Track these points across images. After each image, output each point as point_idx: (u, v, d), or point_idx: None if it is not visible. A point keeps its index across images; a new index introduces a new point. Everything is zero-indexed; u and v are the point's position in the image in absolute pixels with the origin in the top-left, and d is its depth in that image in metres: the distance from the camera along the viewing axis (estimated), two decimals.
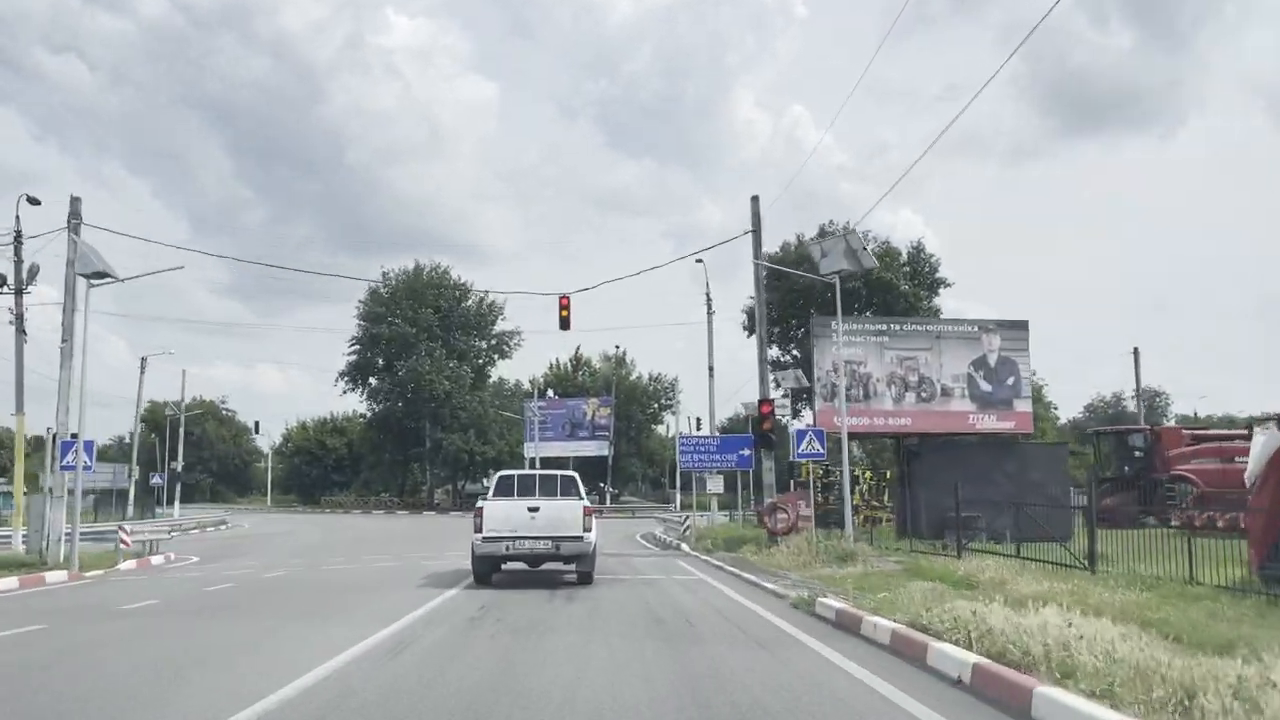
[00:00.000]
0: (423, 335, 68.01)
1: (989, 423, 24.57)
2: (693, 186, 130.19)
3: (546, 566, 15.00)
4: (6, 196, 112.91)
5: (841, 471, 20.63)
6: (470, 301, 72.25)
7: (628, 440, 73.18)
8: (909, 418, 24.40)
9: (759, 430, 21.22)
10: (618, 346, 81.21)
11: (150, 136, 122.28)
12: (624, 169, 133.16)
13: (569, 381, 73.91)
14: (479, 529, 14.01)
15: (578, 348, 77.44)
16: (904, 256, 63.23)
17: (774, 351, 67.56)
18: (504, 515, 14.01)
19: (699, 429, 70.18)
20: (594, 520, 14.33)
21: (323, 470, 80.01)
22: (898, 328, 24.66)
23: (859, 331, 24.40)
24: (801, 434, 20.89)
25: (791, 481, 31.62)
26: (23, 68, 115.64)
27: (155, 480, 52.01)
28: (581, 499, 14.74)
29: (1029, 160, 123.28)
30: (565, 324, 21.44)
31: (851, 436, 23.41)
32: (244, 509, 78.69)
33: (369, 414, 74.44)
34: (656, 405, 75.27)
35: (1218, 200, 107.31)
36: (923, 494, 24.02)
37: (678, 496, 63.56)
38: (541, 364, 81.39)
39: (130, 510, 47.33)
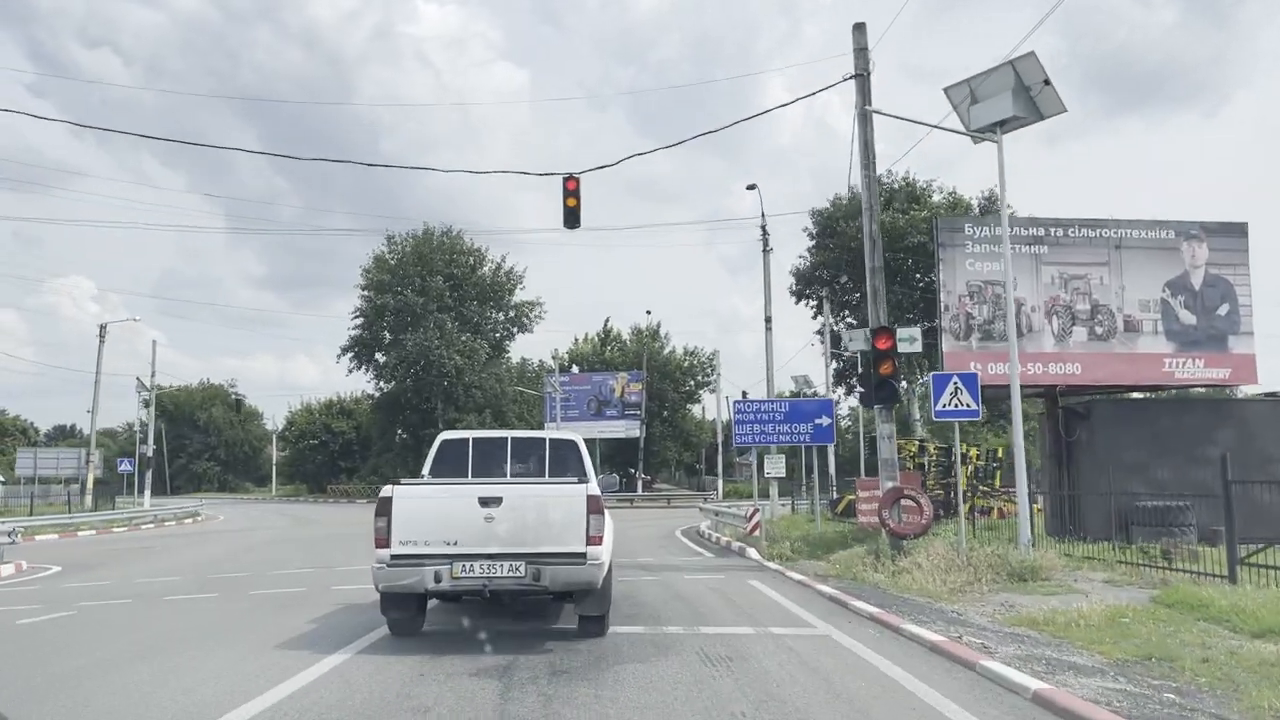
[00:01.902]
0: (432, 306, 60.93)
1: (1193, 370, 16.91)
2: (724, 173, 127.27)
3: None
4: (54, 193, 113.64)
5: (1014, 441, 13.19)
6: (486, 269, 65.12)
7: (661, 421, 65.76)
8: (1078, 363, 16.79)
9: (875, 377, 13.70)
10: (649, 312, 73.78)
11: (186, 129, 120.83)
12: (655, 156, 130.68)
13: (597, 357, 66.56)
14: (384, 539, 7.47)
15: (606, 320, 70.12)
16: (975, 210, 55.40)
17: (822, 320, 60.04)
18: (434, 514, 7.57)
19: (732, 412, 63.12)
20: (606, 521, 7.78)
21: (329, 456, 73.48)
22: (1060, 232, 16.95)
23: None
24: (942, 380, 13.36)
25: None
26: (59, 63, 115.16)
27: (124, 467, 45.38)
28: (585, 480, 8.27)
29: (1067, 141, 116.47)
30: (573, 216, 14.05)
31: (991, 390, 15.86)
32: (245, 499, 72.42)
33: (377, 394, 67.70)
34: (693, 382, 67.59)
35: (1265, 175, 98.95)
36: (1092, 474, 16.58)
37: (719, 483, 56.18)
38: (567, 340, 74.09)
39: (88, 500, 40.77)
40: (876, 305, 14.13)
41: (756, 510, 17.64)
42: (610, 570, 8.15)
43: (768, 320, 29.13)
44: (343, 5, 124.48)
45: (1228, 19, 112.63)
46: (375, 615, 9.25)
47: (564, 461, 9.37)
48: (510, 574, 7.38)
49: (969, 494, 24.92)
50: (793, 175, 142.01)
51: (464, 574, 7.36)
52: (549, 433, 10.95)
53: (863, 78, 14.28)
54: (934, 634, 7.77)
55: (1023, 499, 13.06)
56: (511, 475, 9.21)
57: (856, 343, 36.84)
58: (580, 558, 7.41)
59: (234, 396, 74.20)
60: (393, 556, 7.40)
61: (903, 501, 13.93)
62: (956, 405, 13.36)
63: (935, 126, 13.64)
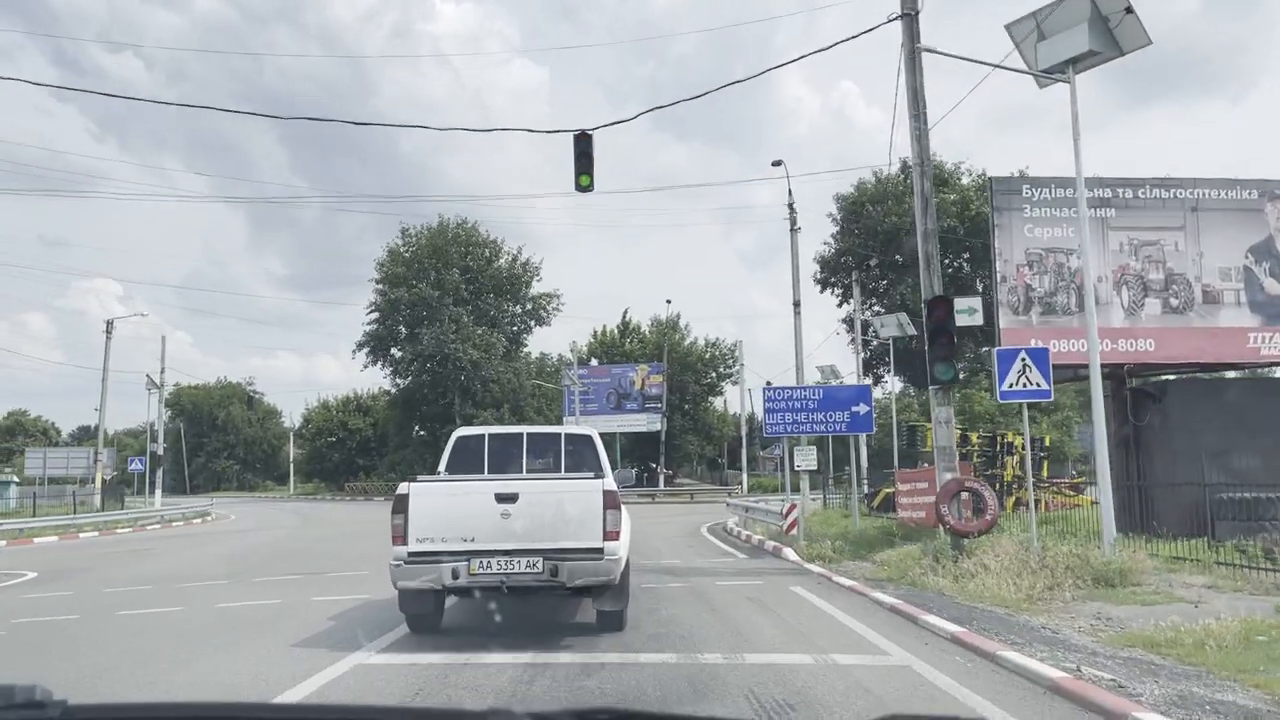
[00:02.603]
0: (448, 299, 59.58)
1: None
2: (742, 167, 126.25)
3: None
4: (81, 197, 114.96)
5: (1095, 426, 11.56)
6: (502, 261, 63.71)
7: (682, 414, 64.10)
8: (1150, 338, 15.05)
9: (932, 353, 12.04)
10: (668, 302, 72.19)
11: (208, 131, 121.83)
12: (673, 151, 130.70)
13: (616, 349, 64.95)
14: (401, 536, 7.48)
15: (625, 311, 68.46)
16: None
17: (848, 309, 58.48)
18: (451, 511, 7.55)
19: (763, 400, 61.31)
20: (623, 516, 7.77)
21: (346, 454, 72.35)
22: (1129, 193, 15.19)
23: (1069, 201, 15.04)
24: (1008, 357, 11.69)
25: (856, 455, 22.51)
26: (83, 68, 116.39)
27: (134, 466, 44.33)
28: (601, 475, 8.18)
29: (1086, 133, 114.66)
30: (585, 168, 12.46)
31: (1061, 369, 14.16)
32: (262, 498, 71.50)
33: (394, 390, 66.52)
34: (714, 374, 65.84)
35: None
36: (1166, 463, 14.91)
37: (744, 478, 54.51)
38: (585, 334, 72.40)
39: (96, 500, 39.69)
40: (930, 273, 12.46)
41: (794, 506, 16.05)
42: (628, 565, 8.02)
43: (796, 304, 27.47)
44: (361, 5, 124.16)
45: (1253, 5, 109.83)
46: (353, 635, 7.80)
47: (580, 456, 9.28)
48: (528, 570, 7.33)
49: (1014, 486, 23.22)
50: (810, 166, 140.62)
51: (481, 570, 7.31)
52: (565, 428, 10.63)
53: (910, 17, 12.61)
54: (1044, 665, 6.14)
55: (1105, 490, 11.40)
56: (528, 471, 9.06)
57: (888, 328, 35.15)
58: (598, 553, 7.36)
59: (249, 394, 73.03)
60: (410, 553, 7.37)
61: (960, 497, 12.28)
62: (1025, 385, 11.69)
63: (997, 66, 11.95)
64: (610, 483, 7.72)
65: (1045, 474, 24.82)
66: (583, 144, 12.56)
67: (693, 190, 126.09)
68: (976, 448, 25.22)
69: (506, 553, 7.35)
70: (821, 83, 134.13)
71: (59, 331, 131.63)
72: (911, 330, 35.97)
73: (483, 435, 9.67)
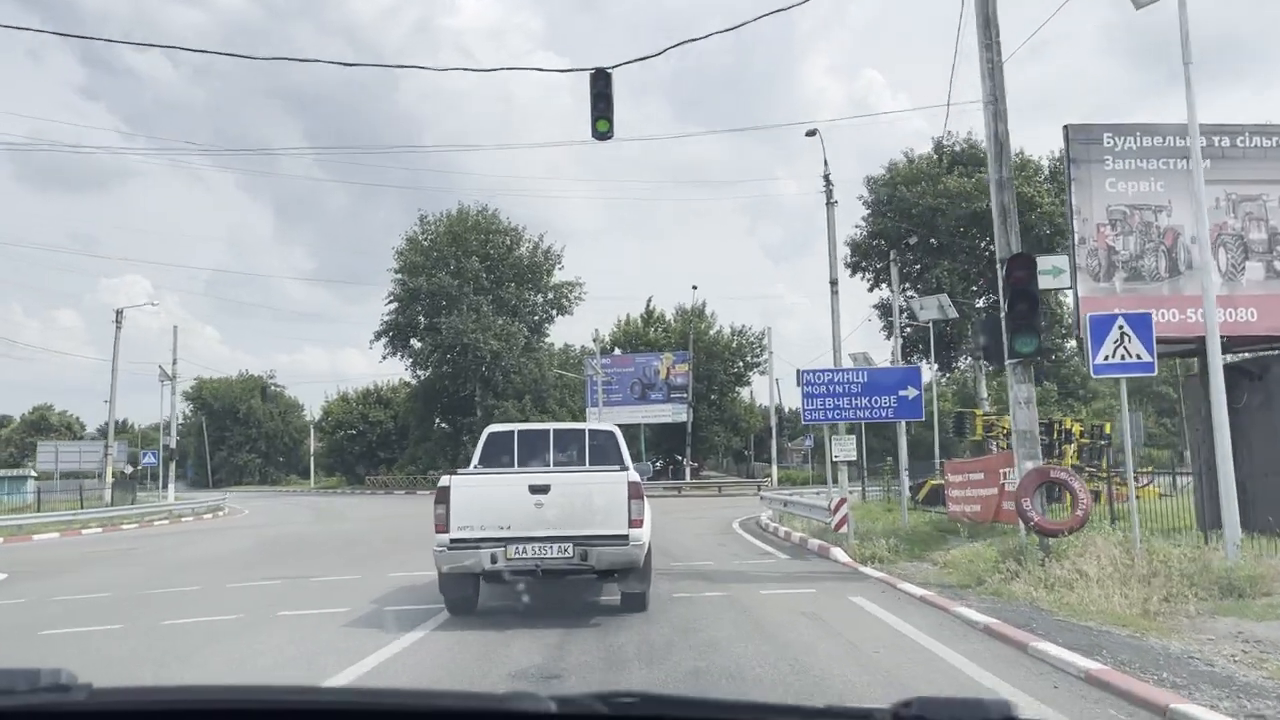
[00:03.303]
0: (468, 288, 58.15)
1: None
2: (767, 158, 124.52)
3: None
4: (108, 194, 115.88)
5: (1213, 406, 9.81)
6: (523, 249, 62.18)
7: (708, 405, 62.34)
8: (1252, 307, 13.16)
9: (1011, 321, 10.27)
10: (694, 288, 70.40)
11: (233, 128, 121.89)
12: (698, 142, 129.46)
13: (640, 338, 63.27)
14: (443, 525, 8.05)
15: (649, 300, 66.75)
16: (1045, 170, 51.19)
17: (880, 294, 56.53)
18: (488, 501, 8.16)
19: (800, 384, 59.33)
20: (645, 506, 8.31)
21: (367, 446, 71.22)
22: (1226, 142, 13.26)
23: (1157, 151, 13.15)
24: (1103, 325, 9.91)
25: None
26: (111, 66, 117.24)
27: (147, 460, 43.23)
28: (624, 468, 8.70)
29: (1115, 118, 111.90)
30: (604, 111, 10.78)
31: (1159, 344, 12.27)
32: (283, 492, 70.60)
33: (414, 381, 65.27)
34: (741, 363, 63.99)
35: None
36: (1269, 450, 13.08)
37: (774, 470, 52.73)
38: (608, 324, 70.66)
39: (106, 495, 38.61)
40: (1007, 228, 10.69)
41: (843, 501, 14.29)
42: (650, 550, 8.58)
43: (834, 283, 25.68)
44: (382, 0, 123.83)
45: None
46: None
47: (602, 451, 9.75)
48: (559, 555, 7.94)
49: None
50: (835, 156, 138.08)
51: (517, 555, 7.93)
52: (588, 424, 11.50)
53: None
54: None
55: (1227, 483, 9.61)
56: (554, 464, 9.59)
57: (928, 310, 33.23)
58: (623, 539, 7.97)
59: (263, 386, 71.98)
60: (452, 540, 7.98)
61: (1047, 490, 10.52)
62: (1123, 357, 9.91)
63: None
64: (634, 475, 8.30)
65: (1104, 465, 22.88)
66: (600, 84, 10.89)
67: (718, 183, 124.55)
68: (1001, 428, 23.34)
69: (540, 539, 7.98)
70: (846, 71, 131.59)
71: (88, 327, 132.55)
72: (953, 313, 34.01)
73: (512, 431, 10.19)
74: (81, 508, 34.50)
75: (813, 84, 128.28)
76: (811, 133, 26.50)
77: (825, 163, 25.82)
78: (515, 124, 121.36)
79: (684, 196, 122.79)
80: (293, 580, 12.22)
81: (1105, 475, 22.37)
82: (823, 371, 19.11)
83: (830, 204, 25.64)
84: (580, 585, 9.31)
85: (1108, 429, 24.10)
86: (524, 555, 7.94)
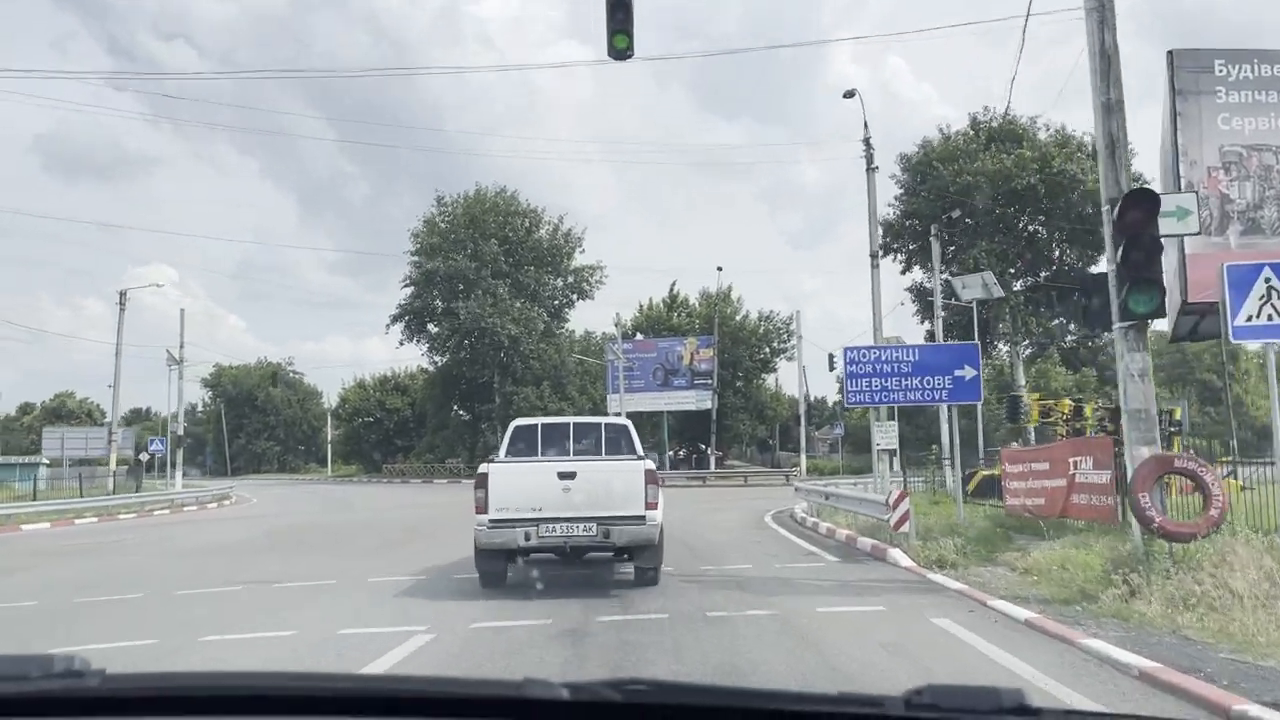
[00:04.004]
0: (485, 271, 56.38)
1: None
2: (790, 146, 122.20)
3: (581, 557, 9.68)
4: (132, 180, 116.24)
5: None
6: (543, 232, 60.31)
7: (734, 392, 60.30)
8: None
9: (1124, 273, 8.26)
10: (720, 269, 68.30)
11: (257, 116, 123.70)
12: (720, 131, 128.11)
13: (663, 323, 61.28)
14: (483, 507, 9.04)
15: (673, 284, 64.70)
16: (1088, 148, 48.67)
17: (912, 277, 54.31)
18: (522, 486, 9.19)
19: (832, 369, 56.99)
20: (660, 491, 9.27)
21: (384, 434, 69.79)
22: None
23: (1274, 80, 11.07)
24: (1244, 277, 7.91)
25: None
26: (136, 56, 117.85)
27: (154, 447, 41.87)
28: (640, 457, 9.81)
29: (1149, 106, 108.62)
30: (622, 24, 8.85)
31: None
32: (300, 480, 69.41)
33: (432, 367, 63.71)
34: (768, 349, 61.80)
35: None
36: None
37: (803, 459, 50.71)
38: (630, 309, 68.57)
39: (111, 483, 37.28)
40: (1116, 163, 8.68)
41: (904, 495, 12.30)
42: (662, 530, 9.37)
43: (874, 255, 23.71)
44: None
45: None
46: None
47: (616, 442, 10.54)
48: (585, 533, 8.99)
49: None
50: (858, 145, 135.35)
51: (548, 534, 9.01)
52: (604, 418, 12.59)
53: None
54: None
55: None
56: (576, 452, 10.37)
57: (972, 289, 31.00)
58: (641, 519, 8.98)
59: (274, 371, 70.59)
60: (491, 521, 9.02)
61: (1167, 481, 8.54)
62: (1270, 317, 7.91)
63: None
64: (650, 463, 9.41)
65: (1176, 450, 20.75)
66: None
67: (739, 170, 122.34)
68: (1093, 421, 21.26)
69: (567, 519, 8.91)
70: (870, 59, 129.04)
71: (116, 315, 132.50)
72: (999, 292, 31.90)
73: (536, 425, 11.00)
74: (81, 496, 33.19)
75: (836, 71, 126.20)
76: (850, 94, 24.55)
77: (865, 125, 23.87)
78: (538, 112, 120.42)
79: (705, 183, 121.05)
80: (256, 587, 10.48)
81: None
82: (869, 349, 17.16)
83: (870, 170, 23.65)
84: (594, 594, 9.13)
85: (1176, 414, 21.93)
86: (554, 534, 8.97)
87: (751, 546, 13.96)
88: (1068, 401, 22.46)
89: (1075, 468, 15.60)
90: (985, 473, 21.33)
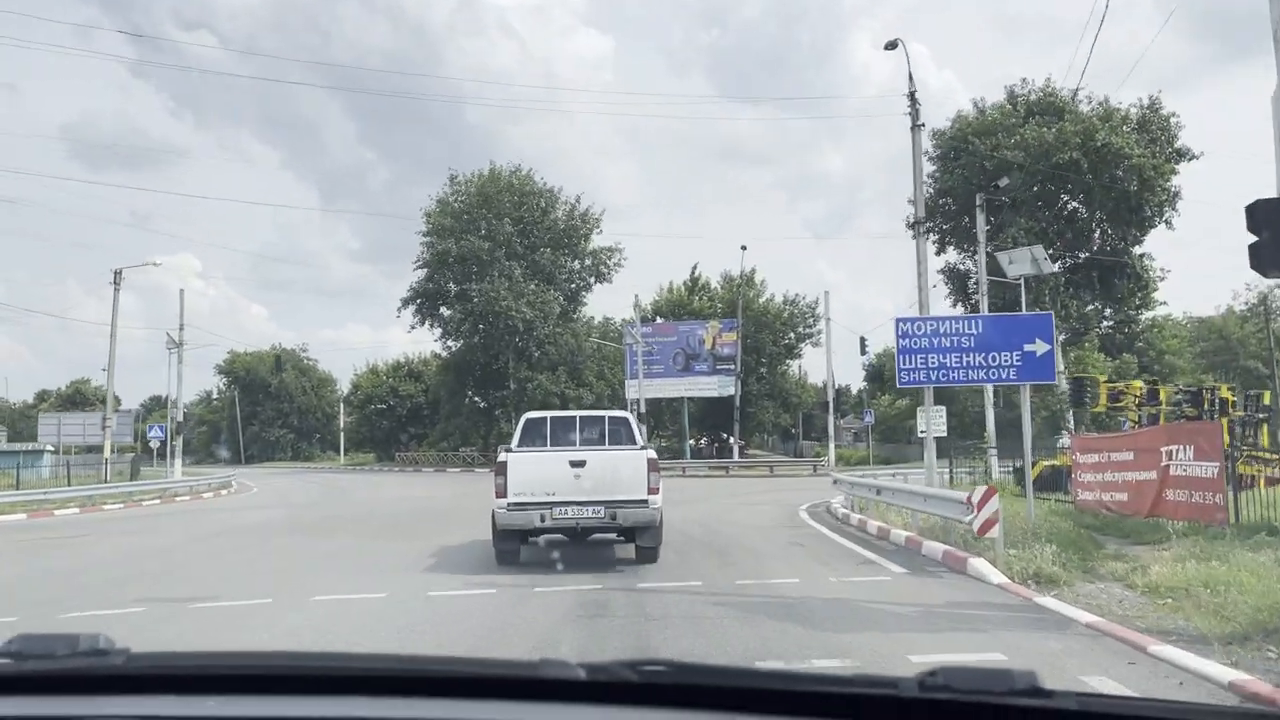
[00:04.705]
0: (499, 252, 54.26)
1: None
2: (811, 134, 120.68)
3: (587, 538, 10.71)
4: (158, 171, 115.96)
5: None
6: (559, 212, 58.09)
7: (757, 378, 58.02)
8: None
9: None
10: (744, 248, 65.93)
11: (279, 106, 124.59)
12: (741, 119, 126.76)
13: (684, 308, 59.02)
14: (501, 492, 10.14)
15: (694, 267, 62.42)
16: (1133, 121, 45.90)
17: (946, 258, 51.88)
18: (537, 473, 10.24)
19: (864, 352, 54.60)
20: (660, 478, 10.32)
21: (396, 421, 68.01)
22: None
23: None
24: None
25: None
26: (159, 45, 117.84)
27: (153, 433, 40.12)
28: (642, 447, 10.90)
29: (1172, 92, 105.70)
30: None
31: None
32: (311, 469, 67.78)
33: (445, 352, 61.77)
34: (793, 334, 59.41)
35: None
36: None
37: (832, 448, 48.45)
38: (649, 293, 66.17)
39: (106, 471, 35.61)
40: None
41: (992, 492, 9.97)
42: (661, 514, 10.33)
43: (919, 223, 21.45)
44: None
45: None
46: None
47: (619, 433, 11.41)
48: (593, 515, 10.00)
49: (1241, 454, 16.88)
50: (882, 133, 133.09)
51: (561, 516, 10.01)
52: (607, 411, 13.69)
53: None
54: None
55: None
56: (583, 442, 11.25)
57: (1019, 264, 28.36)
58: (644, 503, 10.04)
59: (278, 356, 68.70)
60: (510, 504, 9.99)
61: None
62: None
63: None
64: (652, 452, 10.61)
65: (1265, 440, 18.38)
66: None
67: (760, 158, 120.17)
68: (1168, 406, 18.92)
69: (578, 503, 10.03)
70: (898, 45, 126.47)
71: (143, 305, 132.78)
72: (1049, 267, 29.32)
73: (545, 418, 11.93)
74: (69, 484, 31.53)
75: (859, 59, 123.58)
76: (892, 45, 22.25)
77: (910, 77, 21.58)
78: (558, 100, 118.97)
79: (725, 173, 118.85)
80: (162, 606, 8.40)
81: (1260, 453, 17.81)
82: (926, 320, 14.94)
83: (916, 127, 21.33)
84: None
85: (1266, 398, 19.53)
86: (566, 516, 9.94)
87: (794, 551, 11.78)
88: (1139, 383, 20.09)
89: (1170, 458, 13.35)
90: (1047, 463, 19.03)
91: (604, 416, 12.11)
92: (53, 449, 50.46)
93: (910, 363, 14.15)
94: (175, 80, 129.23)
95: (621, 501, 9.93)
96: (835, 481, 18.96)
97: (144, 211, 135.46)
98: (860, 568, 10.28)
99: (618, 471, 10.09)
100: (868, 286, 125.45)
